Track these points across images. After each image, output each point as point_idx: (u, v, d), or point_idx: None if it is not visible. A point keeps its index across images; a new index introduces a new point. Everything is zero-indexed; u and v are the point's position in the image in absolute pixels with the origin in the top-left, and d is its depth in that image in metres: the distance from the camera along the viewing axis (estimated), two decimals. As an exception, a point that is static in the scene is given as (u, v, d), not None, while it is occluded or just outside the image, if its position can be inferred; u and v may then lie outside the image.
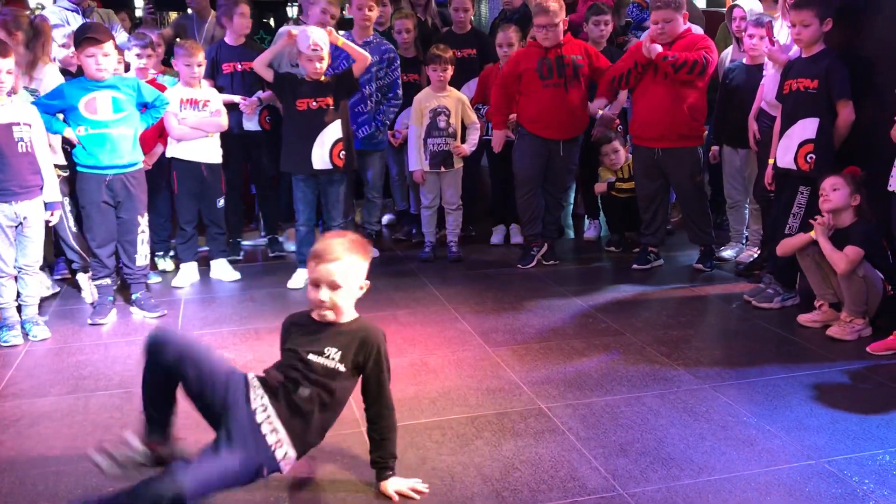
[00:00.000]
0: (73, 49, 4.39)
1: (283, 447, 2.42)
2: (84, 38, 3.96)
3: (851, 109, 3.92)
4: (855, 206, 3.78)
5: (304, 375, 2.46)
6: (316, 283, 2.49)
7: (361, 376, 2.54)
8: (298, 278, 4.73)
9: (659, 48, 4.55)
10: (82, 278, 4.55)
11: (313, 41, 4.50)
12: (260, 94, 5.00)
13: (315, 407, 2.46)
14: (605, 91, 4.99)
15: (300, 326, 2.59)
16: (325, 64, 4.57)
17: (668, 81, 4.61)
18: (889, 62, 3.79)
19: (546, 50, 4.85)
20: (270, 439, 2.40)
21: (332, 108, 4.60)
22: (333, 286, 2.47)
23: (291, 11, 9.16)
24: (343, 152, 4.65)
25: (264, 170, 5.32)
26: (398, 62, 5.18)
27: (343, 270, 2.47)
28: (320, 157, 4.60)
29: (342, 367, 2.48)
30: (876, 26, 3.93)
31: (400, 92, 5.21)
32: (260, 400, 2.44)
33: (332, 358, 2.47)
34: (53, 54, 4.62)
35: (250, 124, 5.09)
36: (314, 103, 4.57)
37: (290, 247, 5.41)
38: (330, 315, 2.51)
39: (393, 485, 2.52)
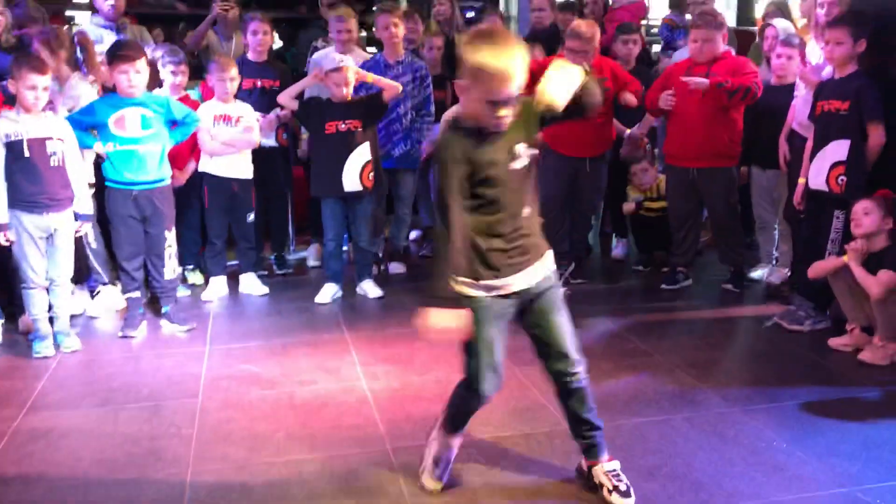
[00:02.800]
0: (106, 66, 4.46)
1: None
2: (117, 54, 4.03)
3: (882, 132, 3.87)
4: (888, 229, 3.73)
5: None
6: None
7: None
8: (326, 293, 4.75)
9: (706, 81, 4.49)
10: (103, 292, 4.59)
11: (339, 60, 4.54)
12: (278, 111, 5.02)
13: None
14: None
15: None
16: (351, 88, 4.61)
17: (704, 102, 4.57)
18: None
19: None
20: None
21: (360, 130, 4.63)
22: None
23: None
24: (372, 174, 4.68)
25: (277, 186, 5.33)
26: (430, 79, 5.21)
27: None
28: (350, 180, 4.63)
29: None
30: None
31: (433, 108, 5.24)
32: None
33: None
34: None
35: (268, 141, 5.11)
36: (343, 125, 4.60)
37: (313, 262, 5.50)
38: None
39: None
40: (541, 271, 2.56)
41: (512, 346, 4.00)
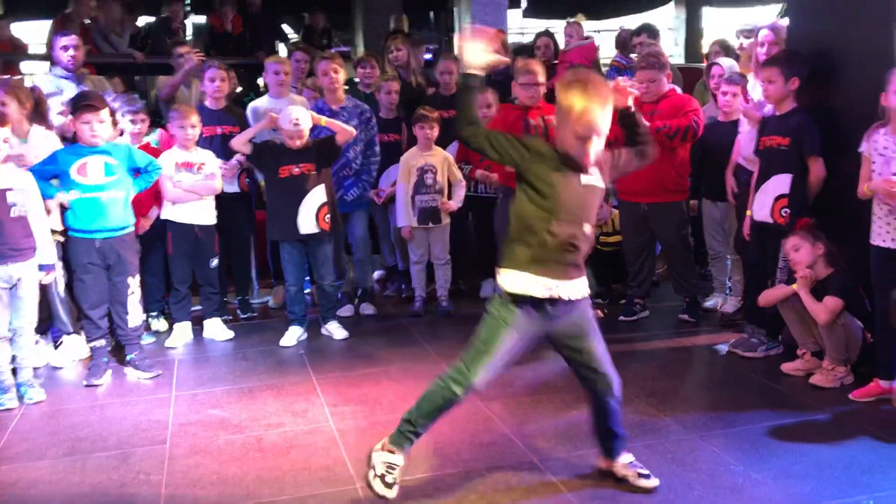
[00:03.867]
0: (69, 116, 4.50)
1: None
2: (80, 105, 4.08)
3: (822, 165, 4.06)
4: (822, 255, 3.90)
5: None
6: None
7: None
8: (291, 336, 4.79)
9: (646, 125, 4.64)
10: (66, 342, 4.58)
11: (294, 118, 4.63)
12: (240, 157, 5.05)
13: None
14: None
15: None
16: (305, 139, 4.70)
17: (652, 139, 4.73)
18: (858, 120, 3.93)
19: (526, 110, 4.99)
20: None
21: (314, 173, 4.71)
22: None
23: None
24: (328, 216, 4.76)
25: (238, 231, 5.37)
26: (374, 119, 5.31)
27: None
28: (306, 222, 4.70)
29: None
30: (846, 85, 4.09)
31: (378, 149, 5.33)
32: None
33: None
34: (52, 121, 4.73)
35: (230, 187, 5.15)
36: (296, 169, 4.68)
37: (273, 306, 5.58)
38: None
39: None
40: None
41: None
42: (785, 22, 4.68)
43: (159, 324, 5.14)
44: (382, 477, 2.73)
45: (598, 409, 2.91)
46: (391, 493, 2.74)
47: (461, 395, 2.73)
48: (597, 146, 2.63)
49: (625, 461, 2.96)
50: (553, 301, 2.70)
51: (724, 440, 3.30)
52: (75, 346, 4.58)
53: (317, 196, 4.71)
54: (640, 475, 2.90)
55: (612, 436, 2.94)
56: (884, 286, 3.60)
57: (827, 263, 3.90)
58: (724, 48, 5.95)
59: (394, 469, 2.75)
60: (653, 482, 2.88)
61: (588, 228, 2.72)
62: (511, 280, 2.69)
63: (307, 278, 5.26)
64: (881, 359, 3.66)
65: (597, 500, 2.83)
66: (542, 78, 4.95)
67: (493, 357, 2.72)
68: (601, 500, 2.83)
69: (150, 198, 4.76)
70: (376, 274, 6.22)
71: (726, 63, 5.21)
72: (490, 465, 3.14)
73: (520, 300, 2.69)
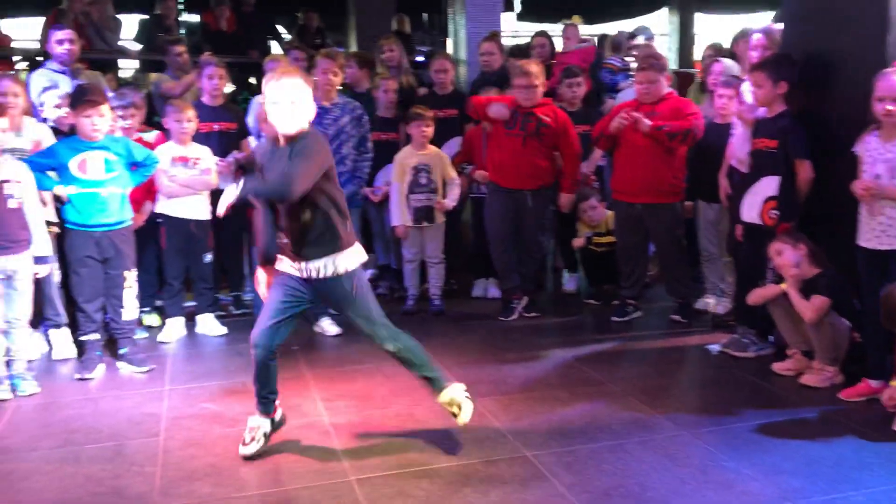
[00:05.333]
0: (66, 109, 4.50)
1: None
2: (82, 99, 4.09)
3: (809, 168, 4.10)
4: (805, 255, 3.94)
5: None
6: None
7: None
8: None
9: (649, 123, 4.70)
10: (56, 335, 4.58)
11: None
12: (235, 154, 5.06)
13: None
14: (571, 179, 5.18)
15: None
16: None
17: (647, 139, 4.77)
18: (850, 123, 3.97)
19: (518, 106, 5.03)
20: None
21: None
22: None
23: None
24: None
25: (231, 228, 5.36)
26: (366, 117, 5.29)
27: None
28: None
29: None
30: (839, 89, 4.13)
31: (370, 145, 5.29)
32: None
33: None
34: (45, 115, 4.74)
35: (225, 183, 5.14)
36: None
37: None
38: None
39: None
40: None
41: (472, 378, 4.12)
42: (779, 26, 4.72)
43: (152, 319, 5.14)
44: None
45: None
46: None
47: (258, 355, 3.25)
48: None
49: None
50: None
51: (716, 437, 3.33)
52: (66, 339, 4.57)
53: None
54: (455, 414, 3.26)
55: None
56: (871, 286, 3.64)
57: (812, 263, 3.94)
58: (718, 53, 6.00)
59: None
60: (466, 416, 3.25)
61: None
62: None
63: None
64: (871, 359, 3.70)
65: (587, 494, 2.86)
66: (538, 80, 4.98)
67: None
68: (592, 493, 2.86)
69: (143, 193, 4.75)
70: (368, 273, 6.23)
71: (727, 62, 5.20)
72: (484, 459, 3.16)
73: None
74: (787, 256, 3.95)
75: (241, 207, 5.34)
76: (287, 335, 3.23)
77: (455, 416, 3.23)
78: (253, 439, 3.24)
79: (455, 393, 3.25)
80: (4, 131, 3.85)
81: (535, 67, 5.00)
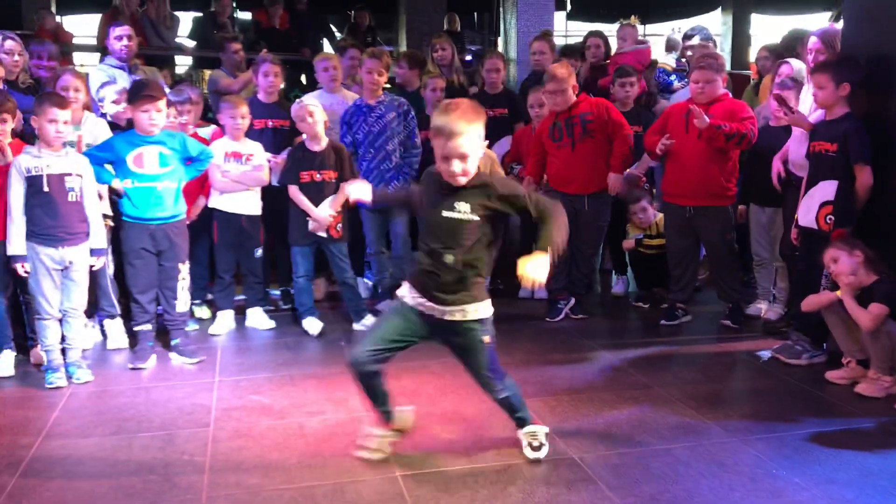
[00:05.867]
0: (124, 104, 4.60)
1: None
2: (141, 94, 4.17)
3: (869, 174, 4.00)
4: (861, 261, 3.84)
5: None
6: (447, 158, 2.82)
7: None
8: (313, 326, 4.90)
9: (707, 120, 4.62)
10: (110, 325, 4.68)
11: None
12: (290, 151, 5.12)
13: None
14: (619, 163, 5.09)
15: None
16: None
17: (700, 141, 4.70)
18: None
19: (557, 114, 5.01)
20: None
21: (334, 181, 4.85)
22: (463, 158, 2.81)
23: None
24: (340, 225, 4.90)
25: (283, 224, 5.41)
26: (412, 112, 5.32)
27: (468, 142, 2.81)
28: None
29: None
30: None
31: (418, 140, 5.32)
32: None
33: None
34: (104, 110, 4.84)
35: (277, 180, 5.20)
36: (318, 176, 4.82)
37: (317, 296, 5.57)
38: (462, 180, 2.86)
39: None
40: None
41: (518, 379, 4.09)
42: (839, 26, 4.61)
43: (202, 311, 5.22)
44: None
45: None
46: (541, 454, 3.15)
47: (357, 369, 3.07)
48: (458, 168, 2.82)
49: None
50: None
51: (766, 444, 3.27)
52: (120, 329, 4.67)
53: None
54: (532, 447, 3.16)
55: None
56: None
57: (870, 270, 3.85)
58: (774, 54, 5.88)
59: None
60: (541, 454, 3.16)
61: (450, 258, 2.91)
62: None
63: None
64: (929, 369, 3.61)
65: (633, 498, 2.83)
66: (566, 84, 4.94)
67: (378, 335, 3.08)
68: (638, 497, 2.83)
69: (197, 187, 4.83)
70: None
71: (796, 65, 5.06)
72: (529, 460, 3.14)
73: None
74: (844, 263, 3.87)
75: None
76: (386, 363, 3.12)
77: (531, 447, 3.14)
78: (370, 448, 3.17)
79: (540, 430, 3.20)
80: (66, 124, 3.93)
81: (562, 70, 4.96)
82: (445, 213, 2.89)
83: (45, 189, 3.91)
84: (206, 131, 5.17)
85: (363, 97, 5.29)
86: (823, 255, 3.95)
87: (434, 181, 2.96)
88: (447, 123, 2.79)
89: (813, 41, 4.56)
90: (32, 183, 3.90)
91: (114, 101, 4.83)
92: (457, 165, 2.81)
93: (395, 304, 3.12)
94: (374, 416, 3.19)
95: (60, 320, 4.06)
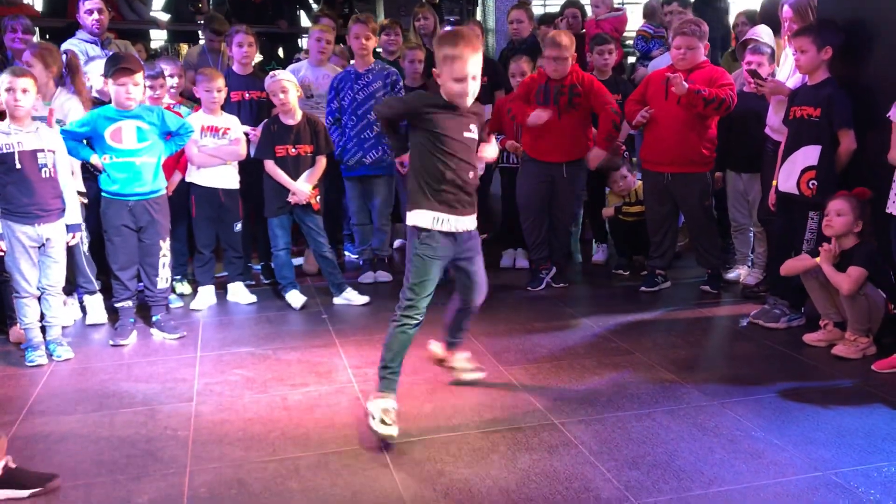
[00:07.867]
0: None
1: None
2: (117, 67, 4.11)
3: (853, 138, 4.02)
4: (856, 231, 3.87)
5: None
6: (461, 79, 2.99)
7: None
8: (296, 299, 4.91)
9: (686, 86, 4.61)
10: (90, 301, 4.65)
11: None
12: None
13: None
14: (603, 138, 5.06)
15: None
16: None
17: (679, 108, 4.71)
18: (890, 92, 3.88)
19: (548, 79, 4.98)
20: None
21: (309, 154, 4.86)
22: (474, 77, 3.03)
23: (302, 43, 9.35)
24: (318, 197, 4.93)
25: (262, 197, 5.37)
26: (401, 83, 5.29)
27: (477, 63, 3.03)
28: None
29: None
30: (879, 56, 4.04)
31: None
32: None
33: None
34: (90, 84, 4.76)
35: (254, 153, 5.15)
36: (293, 150, 4.82)
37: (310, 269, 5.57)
38: (470, 101, 3.10)
39: None
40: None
41: (500, 347, 4.13)
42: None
43: (183, 287, 5.20)
44: (382, 420, 3.03)
45: (459, 310, 3.50)
46: (394, 430, 3.03)
47: (415, 331, 3.18)
48: (474, 87, 3.04)
49: (462, 356, 3.63)
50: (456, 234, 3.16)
51: (745, 407, 3.31)
52: (99, 305, 4.64)
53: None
54: (474, 369, 3.61)
55: (460, 332, 3.56)
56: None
57: (856, 236, 3.88)
58: (751, 19, 5.87)
59: (389, 411, 3.07)
60: (479, 375, 3.61)
61: (471, 174, 3.16)
62: (424, 218, 3.11)
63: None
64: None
65: (614, 462, 2.86)
66: (569, 52, 4.90)
67: (431, 289, 3.16)
68: (619, 461, 2.86)
69: (172, 163, 4.78)
70: (397, 243, 6.25)
71: (760, 28, 5.04)
72: (511, 426, 3.17)
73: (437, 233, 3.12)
74: (843, 223, 3.85)
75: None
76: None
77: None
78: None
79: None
80: (25, 91, 3.83)
81: (565, 39, 4.91)
82: (466, 134, 3.12)
83: (18, 166, 3.86)
84: (186, 111, 5.09)
85: (353, 64, 5.27)
86: (828, 205, 3.91)
87: (440, 105, 3.08)
88: (458, 46, 2.97)
89: (785, 10, 4.55)
90: (4, 160, 3.85)
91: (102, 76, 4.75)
92: (472, 85, 3.02)
93: (423, 249, 3.12)
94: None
95: (39, 298, 4.03)
